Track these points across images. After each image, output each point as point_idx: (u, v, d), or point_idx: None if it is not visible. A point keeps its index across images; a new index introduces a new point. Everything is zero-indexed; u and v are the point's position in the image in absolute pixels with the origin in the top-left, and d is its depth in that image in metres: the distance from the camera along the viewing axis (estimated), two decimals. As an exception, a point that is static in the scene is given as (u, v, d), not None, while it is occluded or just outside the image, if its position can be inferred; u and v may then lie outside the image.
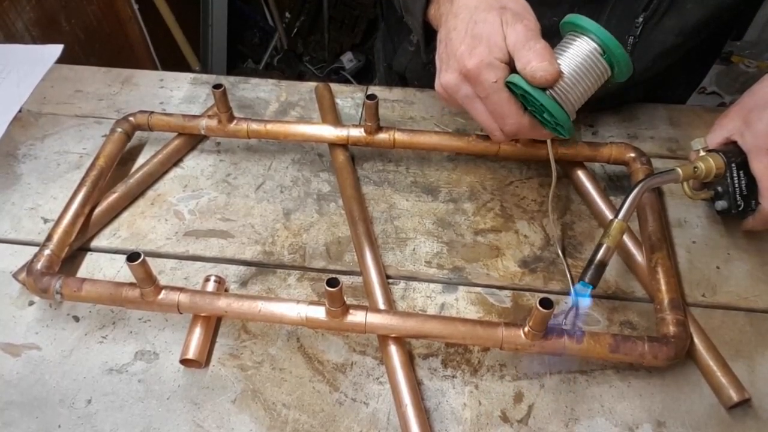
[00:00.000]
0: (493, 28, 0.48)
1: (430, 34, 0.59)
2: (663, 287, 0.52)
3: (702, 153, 0.56)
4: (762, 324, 0.54)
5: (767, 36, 1.76)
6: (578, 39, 0.48)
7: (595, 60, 0.47)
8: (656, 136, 0.71)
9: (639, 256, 0.57)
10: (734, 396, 0.48)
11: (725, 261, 0.59)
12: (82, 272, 0.59)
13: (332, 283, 0.45)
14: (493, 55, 0.47)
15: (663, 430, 0.48)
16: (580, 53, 0.47)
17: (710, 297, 0.56)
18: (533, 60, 0.46)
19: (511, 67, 0.48)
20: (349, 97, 0.77)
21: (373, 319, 0.49)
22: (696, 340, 0.51)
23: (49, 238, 0.56)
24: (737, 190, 0.54)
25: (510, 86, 0.48)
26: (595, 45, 0.47)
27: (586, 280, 0.49)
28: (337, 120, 0.71)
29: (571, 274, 0.57)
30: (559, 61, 0.47)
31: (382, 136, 0.64)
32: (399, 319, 0.49)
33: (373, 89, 0.78)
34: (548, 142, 0.55)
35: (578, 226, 0.62)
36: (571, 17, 0.48)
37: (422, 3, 0.56)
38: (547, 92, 0.47)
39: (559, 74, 0.46)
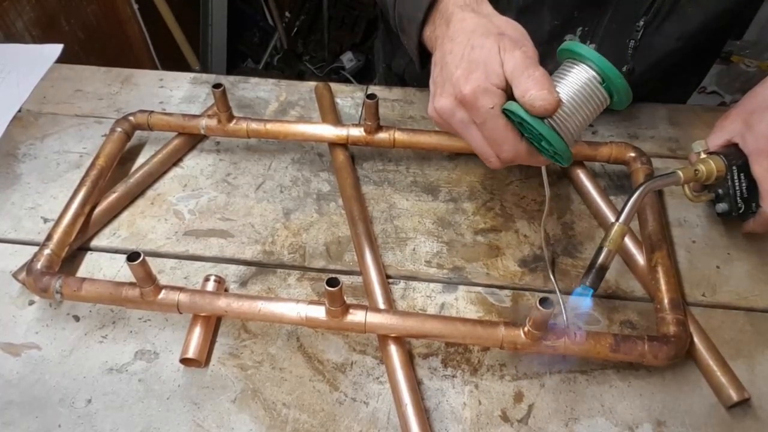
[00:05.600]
0: (491, 54, 0.46)
1: (425, 56, 0.58)
2: (663, 287, 0.52)
3: (703, 155, 0.55)
4: (762, 324, 0.54)
5: (767, 36, 1.76)
6: (576, 66, 0.46)
7: (594, 88, 0.46)
8: (656, 136, 0.71)
9: (639, 256, 0.57)
10: (734, 395, 0.48)
11: (725, 260, 0.59)
12: (82, 272, 0.59)
13: (332, 282, 0.45)
14: (490, 81, 0.46)
15: (663, 430, 0.48)
16: (578, 81, 0.46)
17: (710, 296, 0.56)
18: (532, 88, 0.44)
19: (508, 93, 0.47)
20: (348, 97, 0.77)
21: (373, 318, 0.49)
22: (696, 340, 0.51)
23: (49, 237, 0.56)
24: (738, 192, 0.54)
25: (507, 113, 0.47)
26: (594, 73, 0.46)
27: (587, 283, 0.49)
28: (336, 119, 0.71)
29: (558, 289, 0.56)
30: (557, 89, 0.46)
31: (382, 135, 0.64)
32: (399, 318, 0.49)
33: (373, 89, 0.78)
34: (542, 169, 0.53)
35: (578, 225, 0.62)
36: (568, 44, 0.47)
37: (418, 24, 0.55)
38: (546, 121, 0.45)
39: (559, 103, 0.45)
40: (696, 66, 0.80)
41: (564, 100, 0.45)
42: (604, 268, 0.49)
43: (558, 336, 0.47)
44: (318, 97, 0.75)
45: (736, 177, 0.54)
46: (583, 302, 0.49)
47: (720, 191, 0.56)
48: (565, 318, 0.50)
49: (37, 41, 1.28)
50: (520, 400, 0.50)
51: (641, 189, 0.51)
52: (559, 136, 0.45)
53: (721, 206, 0.56)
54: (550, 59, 0.69)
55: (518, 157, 0.49)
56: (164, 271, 0.59)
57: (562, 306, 0.52)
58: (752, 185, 0.53)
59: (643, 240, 0.57)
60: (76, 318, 0.55)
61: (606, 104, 0.47)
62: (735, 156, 0.54)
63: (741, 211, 0.55)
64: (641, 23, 0.63)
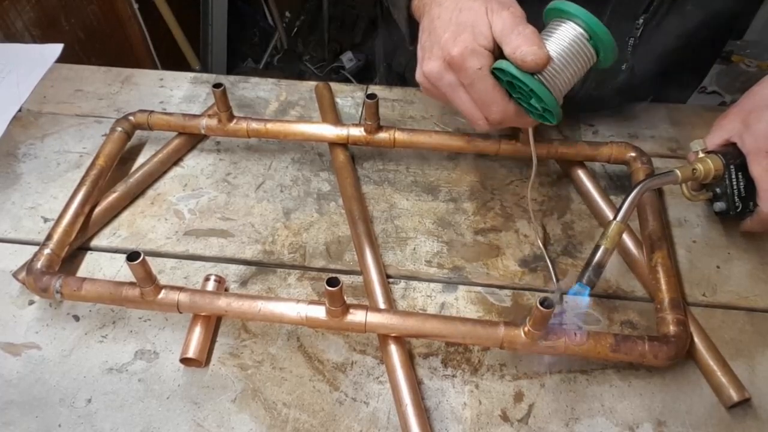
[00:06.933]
0: (479, 16, 0.47)
1: (415, 29, 0.58)
2: (663, 287, 0.52)
3: (701, 154, 0.56)
4: (762, 324, 0.54)
5: (767, 36, 1.76)
6: (564, 24, 0.47)
7: (581, 45, 0.47)
8: (657, 136, 0.71)
9: (639, 256, 0.57)
10: (734, 395, 0.48)
11: (725, 260, 0.59)
12: (82, 271, 0.59)
13: (332, 282, 0.45)
14: (478, 42, 0.47)
15: (663, 430, 0.48)
16: (566, 38, 0.47)
17: (710, 296, 0.56)
18: (523, 45, 0.45)
19: (496, 56, 0.48)
20: (349, 97, 0.77)
21: (373, 318, 0.49)
22: (696, 340, 0.51)
23: (49, 237, 0.56)
24: (736, 191, 0.54)
25: (496, 73, 0.48)
26: (582, 30, 0.47)
27: (584, 281, 0.49)
28: (337, 119, 0.71)
29: (555, 272, 0.57)
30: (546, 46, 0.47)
31: (382, 135, 0.64)
32: (399, 318, 0.49)
33: (373, 88, 0.78)
34: (529, 131, 0.54)
35: (578, 225, 0.62)
36: (556, 3, 0.48)
37: None
38: (536, 77, 0.46)
39: (549, 58, 0.46)
40: (696, 66, 0.80)
41: (553, 57, 0.46)
42: (601, 266, 0.49)
43: (558, 336, 0.47)
44: (318, 97, 0.75)
45: (734, 176, 0.54)
46: (580, 300, 0.49)
47: (718, 190, 0.56)
48: (559, 299, 0.50)
49: (37, 41, 1.28)
50: (521, 399, 0.50)
51: (639, 188, 0.51)
52: (549, 91, 0.46)
53: (719, 205, 0.56)
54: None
55: (506, 118, 0.49)
56: (164, 270, 0.59)
57: (555, 283, 0.54)
58: (750, 184, 0.53)
59: (643, 240, 0.57)
60: (76, 318, 0.55)
61: (593, 61, 0.48)
62: (733, 155, 0.54)
63: (738, 210, 0.55)
64: (641, 21, 0.63)
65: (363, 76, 2.18)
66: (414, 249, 0.60)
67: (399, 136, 0.64)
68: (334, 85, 0.76)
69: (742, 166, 0.53)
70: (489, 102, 0.48)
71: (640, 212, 0.59)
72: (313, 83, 0.77)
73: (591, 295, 0.56)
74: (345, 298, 0.48)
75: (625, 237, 0.58)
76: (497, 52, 0.48)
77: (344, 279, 0.57)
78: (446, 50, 0.48)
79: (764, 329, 0.54)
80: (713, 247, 0.60)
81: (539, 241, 0.59)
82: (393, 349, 0.50)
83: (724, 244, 0.60)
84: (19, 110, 0.75)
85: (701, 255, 0.59)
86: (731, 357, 0.51)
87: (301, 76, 2.21)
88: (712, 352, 0.50)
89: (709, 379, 0.50)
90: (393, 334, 0.50)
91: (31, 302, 0.56)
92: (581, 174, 0.63)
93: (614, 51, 0.47)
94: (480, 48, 0.47)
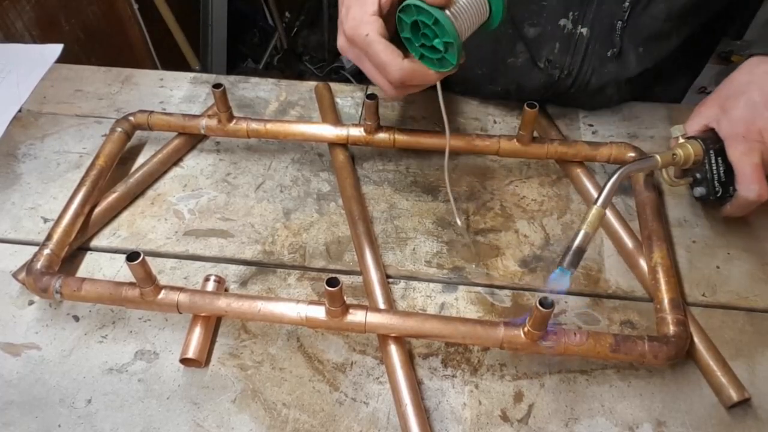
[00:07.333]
0: None
1: None
2: (663, 287, 0.52)
3: (681, 140, 0.56)
4: (762, 324, 0.54)
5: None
6: None
7: None
8: (656, 136, 0.71)
9: (639, 256, 0.57)
10: (734, 395, 0.48)
11: (725, 260, 0.59)
12: (81, 272, 0.59)
13: (332, 282, 0.45)
14: (366, 12, 0.49)
15: (663, 430, 0.48)
16: None
17: (710, 297, 0.56)
18: None
19: (387, 21, 0.49)
20: (348, 97, 0.77)
21: (373, 318, 0.49)
22: (696, 340, 0.51)
23: (48, 237, 0.56)
24: (715, 176, 0.55)
25: (402, 18, 0.49)
26: None
27: (564, 265, 0.48)
28: (336, 119, 0.71)
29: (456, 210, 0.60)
30: None
31: (382, 135, 0.64)
32: (399, 318, 0.49)
33: (373, 89, 0.77)
34: (438, 85, 0.54)
35: (578, 225, 0.62)
36: None
37: None
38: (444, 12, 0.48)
39: None
40: (690, 61, 0.80)
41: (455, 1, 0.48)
42: (581, 251, 0.49)
43: (558, 336, 0.47)
44: (318, 97, 0.75)
45: (713, 161, 0.55)
46: (560, 285, 0.49)
47: (698, 175, 0.57)
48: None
49: (37, 41, 1.28)
50: (520, 400, 0.50)
51: (619, 173, 0.51)
52: (452, 25, 0.47)
53: (699, 190, 0.56)
54: (545, 46, 0.69)
55: (405, 75, 0.50)
56: (164, 271, 0.59)
57: (457, 218, 0.58)
58: (729, 169, 0.54)
59: (643, 240, 0.57)
60: (76, 318, 0.55)
61: (486, 15, 0.50)
62: (712, 140, 0.55)
63: (719, 195, 0.55)
64: (627, 4, 0.63)
65: (363, 76, 2.17)
66: (414, 249, 0.60)
67: (399, 136, 0.64)
68: (334, 85, 0.76)
69: (721, 151, 0.54)
70: (384, 63, 0.50)
71: (640, 212, 0.59)
72: (313, 83, 0.77)
73: (591, 294, 0.56)
74: (345, 298, 0.48)
75: (625, 237, 0.58)
76: (386, 15, 0.49)
77: (344, 279, 0.57)
78: (343, 27, 0.51)
79: (764, 329, 0.54)
80: (713, 247, 0.60)
81: (453, 207, 0.61)
82: (393, 349, 0.50)
83: (724, 244, 0.60)
84: (19, 110, 0.75)
85: (701, 255, 0.59)
86: (731, 357, 0.51)
87: (301, 76, 2.21)
88: (712, 352, 0.50)
89: (709, 379, 0.50)
90: (393, 335, 0.50)
91: (31, 302, 0.56)
92: (581, 174, 0.63)
93: (504, 9, 0.49)
94: (367, 16, 0.49)
